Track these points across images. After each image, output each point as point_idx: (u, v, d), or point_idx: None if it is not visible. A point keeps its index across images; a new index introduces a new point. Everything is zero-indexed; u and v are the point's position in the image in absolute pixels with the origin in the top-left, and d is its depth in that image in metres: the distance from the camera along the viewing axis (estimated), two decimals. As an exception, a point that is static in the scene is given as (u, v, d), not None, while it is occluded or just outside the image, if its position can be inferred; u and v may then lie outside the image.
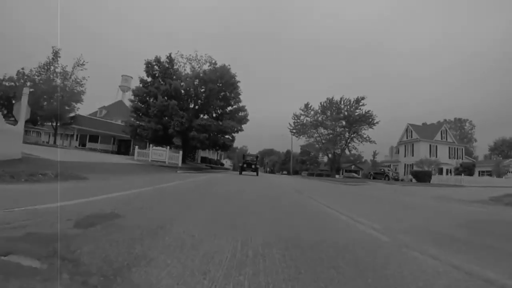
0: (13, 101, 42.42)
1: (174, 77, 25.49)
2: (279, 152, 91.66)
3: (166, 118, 23.78)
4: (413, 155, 41.57)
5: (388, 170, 40.22)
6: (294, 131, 41.42)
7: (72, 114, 34.09)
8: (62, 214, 2.48)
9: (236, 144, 42.06)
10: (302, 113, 40.01)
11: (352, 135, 37.81)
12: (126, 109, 50.08)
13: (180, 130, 23.37)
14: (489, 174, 43.03)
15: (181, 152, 21.76)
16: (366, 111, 36.12)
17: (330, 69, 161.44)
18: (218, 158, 56.62)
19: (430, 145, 41.82)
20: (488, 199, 9.85)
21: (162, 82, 24.98)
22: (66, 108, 32.96)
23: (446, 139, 44.12)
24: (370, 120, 36.88)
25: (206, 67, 27.20)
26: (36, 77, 34.23)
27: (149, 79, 25.92)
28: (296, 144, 55.54)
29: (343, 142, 38.71)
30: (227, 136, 26.96)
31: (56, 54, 34.32)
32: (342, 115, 37.52)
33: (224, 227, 2.62)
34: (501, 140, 71.17)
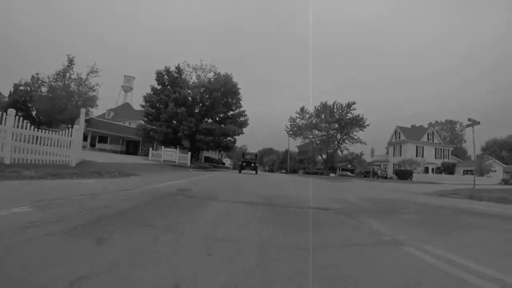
0: (29, 105, 45.41)
1: (182, 84, 28.60)
2: (278, 151, 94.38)
3: (175, 122, 26.91)
4: (401, 155, 44.81)
5: (378, 169, 43.40)
6: (290, 132, 44.63)
7: (87, 118, 37.15)
8: (166, 188, 5.58)
9: (236, 144, 45.34)
10: (298, 116, 43.24)
11: (344, 137, 41.03)
12: (133, 111, 53.24)
13: (188, 134, 26.49)
14: (473, 173, 46.34)
15: (189, 153, 24.88)
16: (356, 115, 39.32)
17: (330, 69, 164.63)
18: (220, 158, 59.75)
19: (417, 146, 45.07)
20: (433, 192, 12.97)
21: (171, 90, 28.07)
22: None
23: (433, 140, 47.38)
24: (361, 123, 40.18)
25: (210, 75, 30.39)
26: (53, 83, 37.16)
27: (159, 87, 29.03)
28: (294, 144, 58.66)
29: (336, 143, 41.92)
30: (229, 138, 30.09)
31: (71, 61, 37.28)
32: (334, 118, 40.73)
33: (238, 195, 5.72)
34: (493, 141, 74.52)
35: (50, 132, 8.38)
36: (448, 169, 36.71)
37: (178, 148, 25.11)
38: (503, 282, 1.63)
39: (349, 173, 59.38)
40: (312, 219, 3.43)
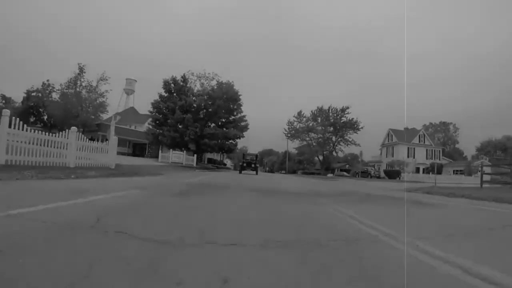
0: (40, 109, 47.79)
1: (187, 92, 31.14)
2: (277, 152, 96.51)
3: (181, 127, 29.41)
4: (393, 156, 47.29)
5: (371, 169, 45.89)
6: (288, 135, 47.17)
7: (97, 122, 39.66)
8: (196, 182, 8.02)
9: (237, 146, 48.11)
10: (295, 119, 45.77)
11: (339, 139, 43.55)
12: (138, 115, 55.83)
13: (194, 138, 28.98)
14: (463, 173, 48.82)
15: (195, 155, 27.37)
16: (350, 118, 41.89)
17: (330, 74, 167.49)
18: (221, 159, 62.29)
19: (408, 148, 47.56)
20: (402, 189, 15.35)
21: (177, 97, 30.57)
22: (92, 117, 38.49)
23: (424, 142, 49.90)
24: (355, 126, 42.71)
25: (213, 83, 32.98)
26: (65, 90, 39.57)
27: (166, 94, 31.56)
28: (292, 146, 61.12)
29: (331, 145, 44.43)
30: (231, 141, 32.59)
31: (81, 69, 39.69)
32: (329, 121, 43.28)
33: (245, 187, 8.16)
34: (487, 142, 77.02)
35: (97, 142, 10.83)
36: (436, 169, 39.12)
37: (184, 151, 27.62)
38: (367, 223, 4.06)
39: (345, 173, 61.81)
40: (285, 196, 5.89)
